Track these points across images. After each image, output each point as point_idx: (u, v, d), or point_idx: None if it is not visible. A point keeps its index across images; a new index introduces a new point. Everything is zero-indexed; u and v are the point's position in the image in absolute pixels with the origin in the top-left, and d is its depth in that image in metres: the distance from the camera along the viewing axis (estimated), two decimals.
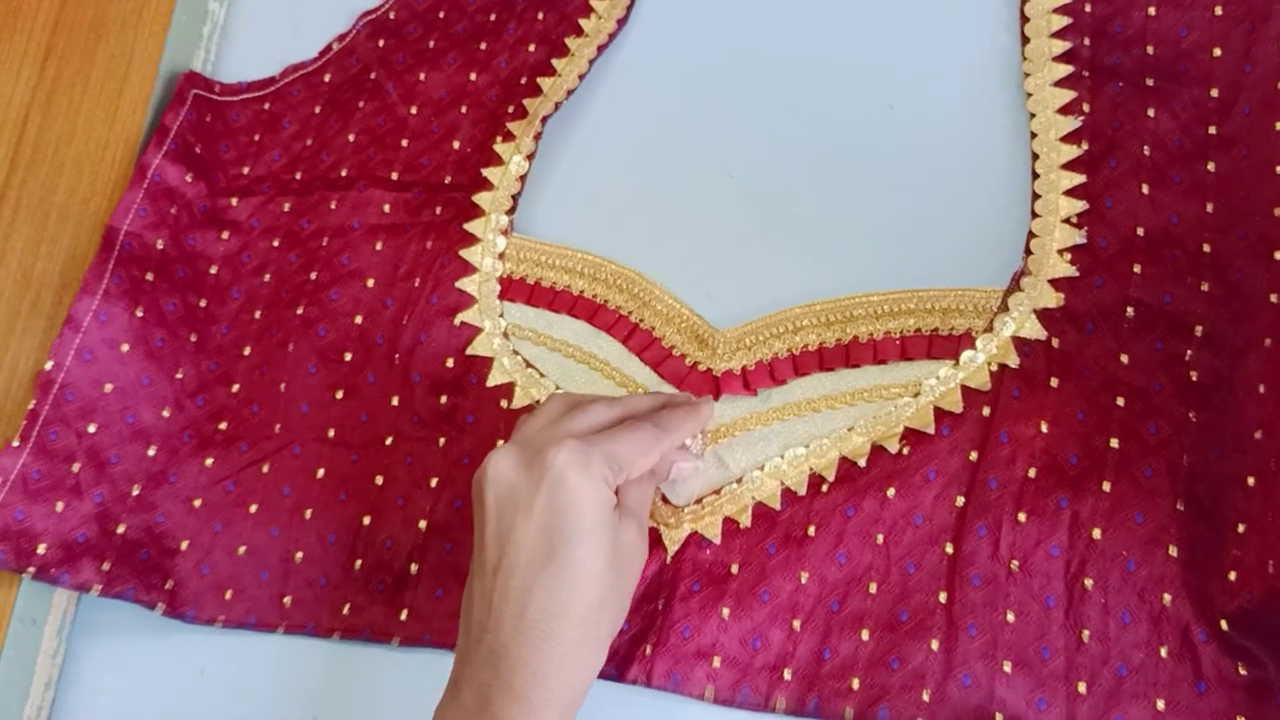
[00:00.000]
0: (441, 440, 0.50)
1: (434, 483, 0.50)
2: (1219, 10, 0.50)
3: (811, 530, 0.47)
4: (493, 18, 0.58)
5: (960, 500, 0.46)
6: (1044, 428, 0.46)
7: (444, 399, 0.51)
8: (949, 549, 0.45)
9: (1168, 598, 0.43)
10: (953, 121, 0.53)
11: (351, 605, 0.49)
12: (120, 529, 0.50)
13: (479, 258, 0.53)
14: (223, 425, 0.52)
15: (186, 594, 0.50)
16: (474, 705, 0.39)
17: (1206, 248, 0.47)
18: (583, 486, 0.40)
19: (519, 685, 0.38)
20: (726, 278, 0.52)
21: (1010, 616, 0.44)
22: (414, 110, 0.57)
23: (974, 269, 0.49)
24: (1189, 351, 0.46)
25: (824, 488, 0.47)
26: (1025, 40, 0.52)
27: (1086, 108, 0.50)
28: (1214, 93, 0.49)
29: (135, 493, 0.50)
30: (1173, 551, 0.44)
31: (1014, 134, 0.52)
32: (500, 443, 0.50)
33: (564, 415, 0.43)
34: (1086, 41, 0.51)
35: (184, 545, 0.50)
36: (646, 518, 0.44)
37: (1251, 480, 0.42)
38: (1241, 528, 0.42)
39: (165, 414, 0.52)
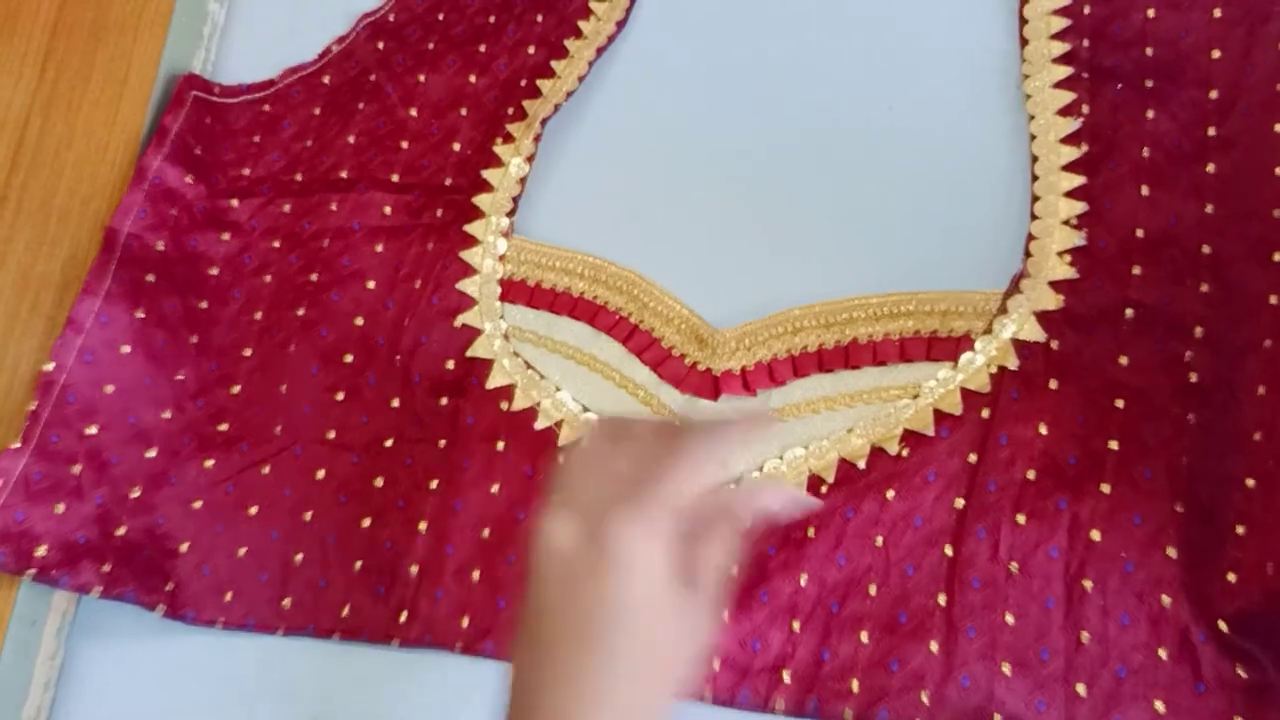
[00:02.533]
0: (442, 442, 0.50)
1: (434, 485, 0.50)
2: (1218, 12, 0.50)
3: (811, 532, 0.47)
4: (492, 20, 0.58)
5: (959, 502, 0.46)
6: (1043, 429, 0.46)
7: (444, 401, 0.51)
8: (948, 551, 0.45)
9: (1167, 599, 0.43)
10: (952, 123, 0.53)
11: (351, 607, 0.49)
12: (121, 531, 0.50)
13: (479, 259, 0.53)
14: (223, 427, 0.52)
15: (186, 596, 0.50)
16: None
17: (1206, 249, 0.47)
18: (634, 562, 0.36)
19: None
20: (726, 278, 0.52)
21: (1009, 618, 0.44)
22: (414, 112, 0.57)
23: (973, 271, 0.49)
24: (1188, 353, 0.46)
25: (823, 489, 0.47)
26: (1024, 42, 0.52)
27: (1086, 109, 0.50)
28: (1213, 94, 0.49)
29: (136, 494, 0.50)
30: (1171, 553, 0.44)
31: (1013, 135, 0.52)
32: (500, 445, 0.50)
33: (613, 454, 0.39)
34: (1086, 43, 0.51)
35: (184, 547, 0.50)
36: (717, 584, 0.39)
37: (1251, 482, 0.42)
38: (1241, 529, 0.42)
39: (166, 415, 0.52)
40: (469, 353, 0.52)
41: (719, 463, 0.38)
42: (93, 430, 0.50)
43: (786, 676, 0.45)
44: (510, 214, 0.54)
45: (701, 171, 0.54)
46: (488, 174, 0.54)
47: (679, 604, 0.37)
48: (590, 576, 0.36)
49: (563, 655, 0.36)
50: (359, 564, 0.49)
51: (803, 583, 0.46)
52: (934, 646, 0.44)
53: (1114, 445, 0.45)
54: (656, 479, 0.37)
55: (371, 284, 0.53)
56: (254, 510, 0.51)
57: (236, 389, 0.53)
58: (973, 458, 0.46)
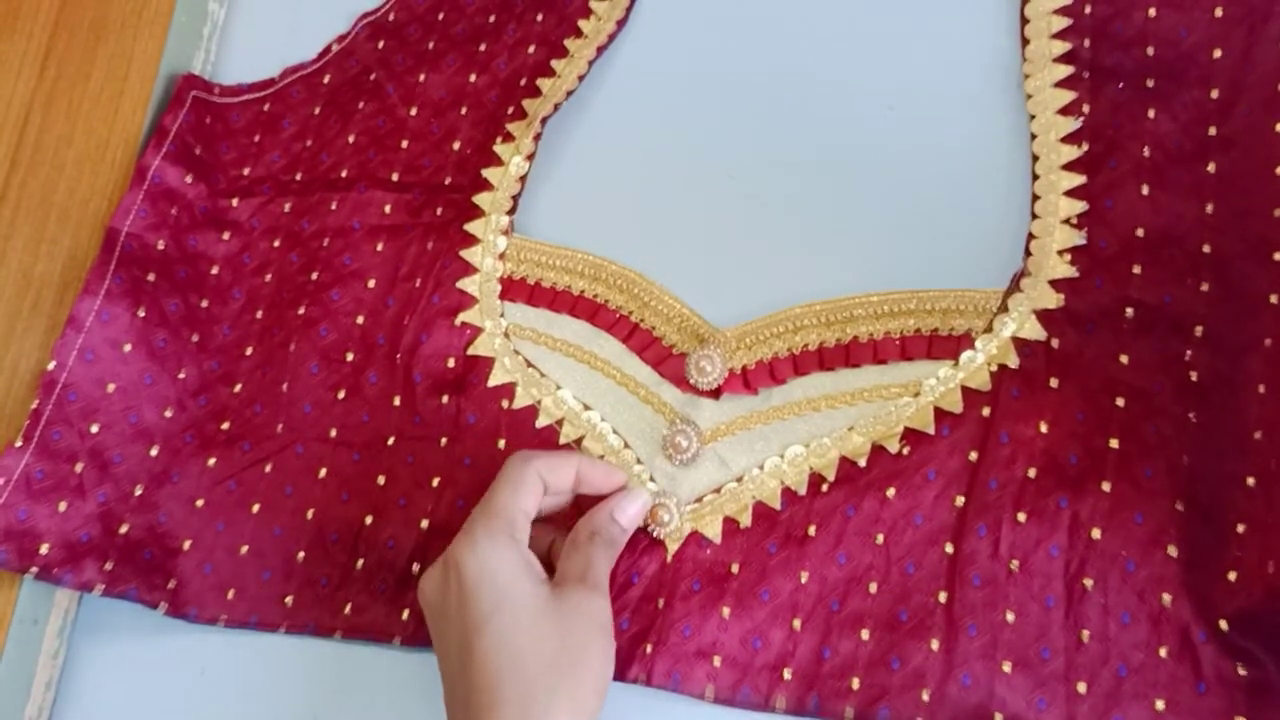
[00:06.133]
0: (443, 440, 0.50)
1: (436, 483, 0.50)
2: (1219, 12, 0.50)
3: (812, 530, 0.47)
4: (492, 19, 0.58)
5: (960, 500, 0.46)
6: (1044, 428, 0.46)
7: (445, 399, 0.51)
8: (949, 549, 0.45)
9: (1167, 598, 0.43)
10: (953, 122, 0.53)
11: (353, 605, 0.49)
12: (123, 529, 0.50)
13: (480, 258, 0.53)
14: (225, 425, 0.52)
15: (189, 594, 0.50)
16: None
17: (1206, 248, 0.47)
18: (480, 570, 0.40)
19: None
20: (726, 278, 0.52)
21: (1010, 616, 0.44)
22: (414, 111, 0.57)
23: (974, 270, 0.49)
24: (1189, 352, 0.46)
25: (824, 487, 0.47)
26: (1025, 41, 0.52)
27: (1087, 109, 0.50)
28: (1214, 94, 0.49)
29: (138, 492, 0.51)
30: (1172, 552, 0.44)
31: (1014, 135, 0.52)
32: (501, 442, 0.50)
33: (495, 494, 0.43)
34: (1087, 43, 0.51)
35: (186, 545, 0.50)
36: (597, 579, 0.42)
37: (1251, 480, 0.42)
38: (1241, 528, 0.42)
39: (167, 414, 0.52)
40: (470, 351, 0.52)
41: (536, 480, 0.43)
42: (95, 429, 0.50)
43: (787, 674, 0.45)
44: (510, 212, 0.54)
45: (702, 170, 0.55)
46: (488, 173, 0.54)
47: (556, 599, 0.40)
48: (453, 605, 0.41)
49: (451, 679, 0.40)
50: (361, 562, 0.50)
51: (803, 581, 0.46)
52: (935, 645, 0.44)
53: (1115, 444, 0.45)
54: (481, 507, 0.42)
55: (372, 283, 0.54)
56: (256, 508, 0.51)
57: (238, 387, 0.53)
58: (973, 456, 0.46)
